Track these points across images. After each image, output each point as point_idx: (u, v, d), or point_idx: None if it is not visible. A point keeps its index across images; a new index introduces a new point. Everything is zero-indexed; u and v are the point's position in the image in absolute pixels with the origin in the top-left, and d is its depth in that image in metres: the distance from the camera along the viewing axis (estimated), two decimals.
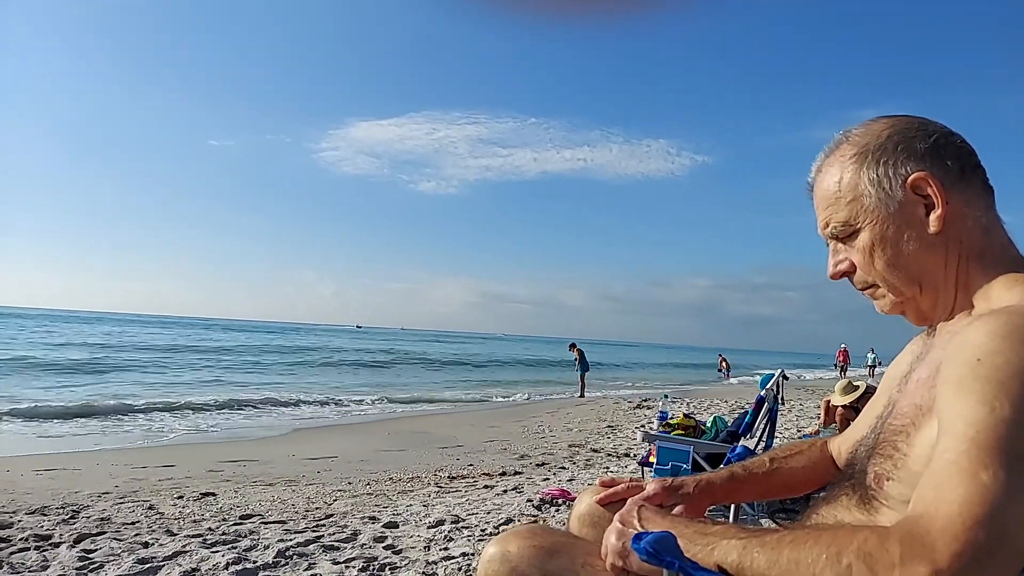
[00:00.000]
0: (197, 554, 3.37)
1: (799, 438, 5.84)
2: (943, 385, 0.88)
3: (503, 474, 6.30)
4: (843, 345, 35.11)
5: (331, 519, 4.29)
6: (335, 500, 4.98)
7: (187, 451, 7.94)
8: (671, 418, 5.11)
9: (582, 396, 18.46)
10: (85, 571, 3.16)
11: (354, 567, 3.24)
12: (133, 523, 4.08)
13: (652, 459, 4.46)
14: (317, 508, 4.67)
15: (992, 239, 1.02)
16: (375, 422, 11.77)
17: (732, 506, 2.41)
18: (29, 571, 3.17)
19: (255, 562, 3.27)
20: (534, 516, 4.46)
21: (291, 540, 3.66)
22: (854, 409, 5.75)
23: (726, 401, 15.70)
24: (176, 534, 3.79)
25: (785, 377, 4.85)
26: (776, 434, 4.73)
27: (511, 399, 17.99)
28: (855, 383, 6.21)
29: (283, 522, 4.17)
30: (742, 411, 5.13)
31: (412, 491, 5.41)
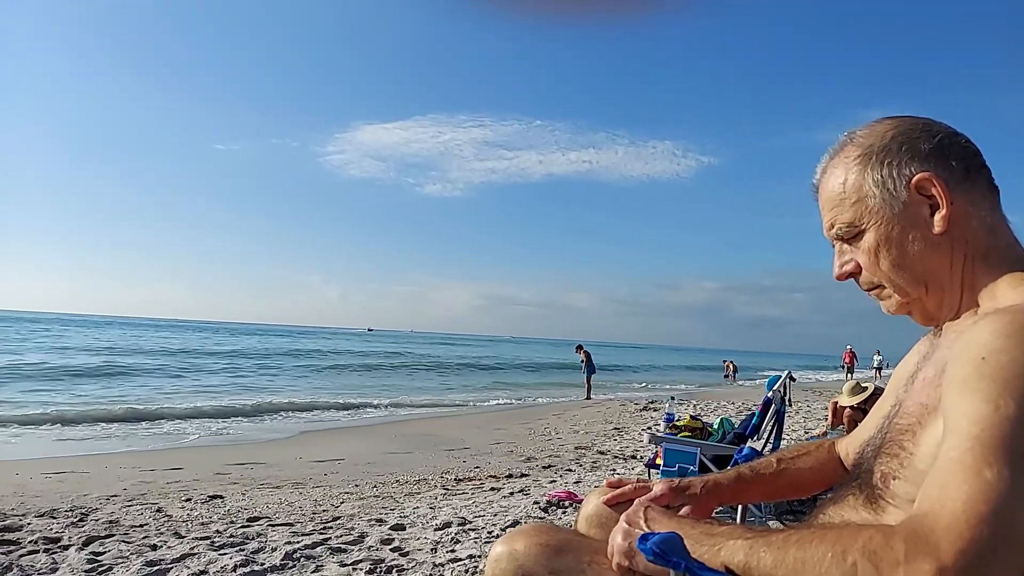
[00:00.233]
0: (205, 556, 3.39)
1: (806, 439, 5.82)
2: (948, 384, 0.88)
3: (510, 476, 6.30)
4: (849, 346, 34.97)
5: (338, 521, 4.30)
6: (342, 502, 5.00)
7: (195, 454, 7.96)
8: (678, 420, 5.09)
9: (588, 398, 18.43)
10: (94, 574, 3.18)
11: (361, 569, 3.25)
12: (141, 526, 4.10)
13: (659, 461, 4.46)
14: (324, 510, 4.69)
15: (998, 239, 1.02)
16: (381, 424, 11.78)
17: (739, 508, 2.41)
18: (39, 573, 3.18)
19: (263, 564, 3.29)
20: (541, 518, 4.46)
21: (299, 542, 3.67)
22: (862, 410, 5.72)
23: (733, 403, 15.66)
24: (184, 536, 3.81)
25: (792, 378, 4.83)
26: (783, 436, 4.72)
27: (517, 401, 17.97)
28: (863, 384, 6.18)
29: (290, 524, 4.18)
30: (749, 413, 5.12)
31: (419, 493, 5.42)
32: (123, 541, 3.70)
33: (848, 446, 1.31)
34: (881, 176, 1.02)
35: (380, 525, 4.18)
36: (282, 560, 3.35)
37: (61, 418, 10.74)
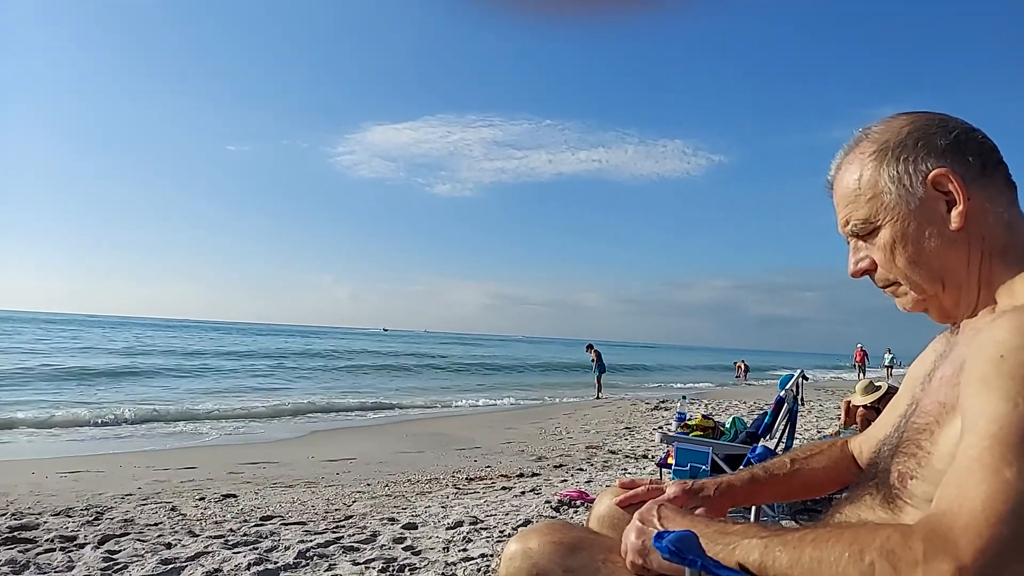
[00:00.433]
0: (219, 555, 3.41)
1: (819, 439, 5.79)
2: (966, 382, 0.87)
3: (521, 476, 6.30)
4: (860, 345, 34.73)
5: (351, 520, 4.31)
6: (354, 501, 5.01)
7: (208, 453, 8.01)
8: (689, 419, 5.08)
9: (599, 397, 18.42)
10: (110, 572, 3.20)
11: (374, 568, 3.26)
12: (156, 524, 4.13)
13: (671, 460, 4.44)
14: (336, 509, 4.70)
15: (1015, 235, 1.01)
16: (393, 424, 11.81)
17: (753, 508, 2.40)
18: (55, 571, 3.21)
19: (276, 563, 3.30)
20: (552, 517, 4.46)
21: (311, 541, 3.68)
22: (875, 410, 5.68)
23: (745, 402, 15.59)
24: (198, 535, 3.83)
25: (805, 377, 4.80)
26: (796, 435, 4.69)
27: (528, 401, 17.97)
28: (876, 383, 6.14)
29: (303, 523, 4.20)
30: (761, 412, 5.10)
31: (430, 492, 5.43)
32: (138, 539, 3.73)
33: (863, 445, 1.30)
34: (897, 172, 1.02)
35: (392, 524, 4.19)
36: (295, 559, 3.37)
37: (75, 418, 10.84)
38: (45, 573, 3.19)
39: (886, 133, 1.05)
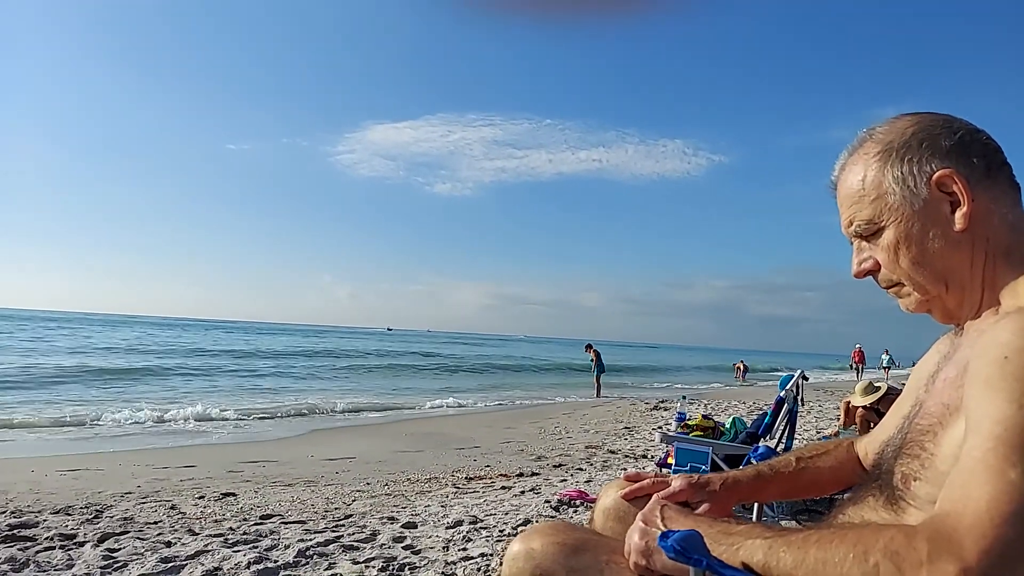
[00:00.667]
0: (219, 553, 3.41)
1: (819, 439, 5.79)
2: (970, 384, 0.87)
3: (520, 475, 6.30)
4: (858, 345, 34.73)
5: (350, 519, 4.31)
6: (354, 500, 5.01)
7: (207, 452, 8.02)
8: (689, 419, 5.08)
9: (598, 397, 18.42)
10: (109, 570, 3.20)
11: (374, 567, 3.26)
12: (156, 522, 4.13)
13: (670, 460, 4.45)
14: (336, 508, 4.70)
15: (1019, 236, 1.01)
16: (392, 423, 11.81)
17: (755, 506, 2.40)
18: (55, 570, 3.21)
19: (276, 561, 3.30)
20: (552, 517, 4.46)
21: (311, 540, 3.68)
22: (875, 411, 5.69)
23: (744, 402, 15.60)
24: (198, 534, 3.83)
25: (805, 378, 4.81)
26: (796, 435, 4.70)
27: (527, 400, 17.97)
28: (876, 384, 6.15)
29: (303, 522, 4.20)
30: (761, 412, 5.10)
31: (430, 492, 5.43)
32: (138, 538, 3.73)
33: (867, 446, 1.30)
34: (901, 173, 1.02)
35: (392, 523, 4.19)
36: (295, 557, 3.37)
37: (75, 416, 10.84)
38: (45, 571, 3.19)
39: (890, 134, 1.05)
